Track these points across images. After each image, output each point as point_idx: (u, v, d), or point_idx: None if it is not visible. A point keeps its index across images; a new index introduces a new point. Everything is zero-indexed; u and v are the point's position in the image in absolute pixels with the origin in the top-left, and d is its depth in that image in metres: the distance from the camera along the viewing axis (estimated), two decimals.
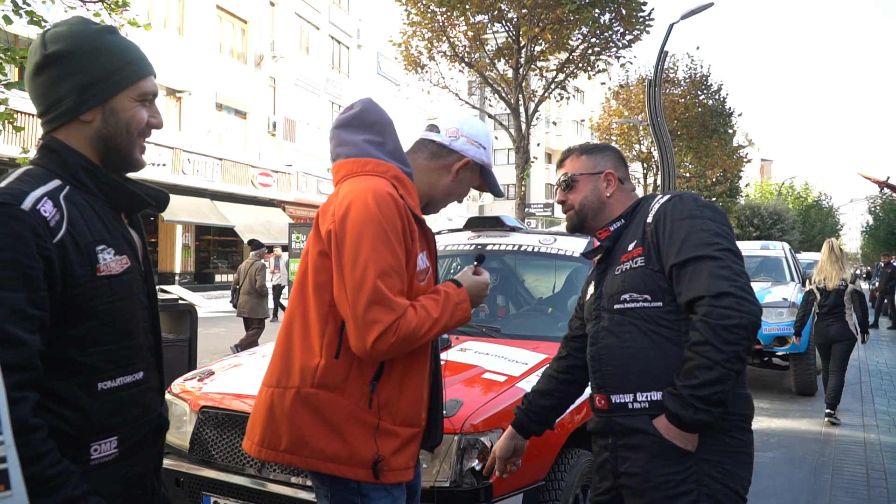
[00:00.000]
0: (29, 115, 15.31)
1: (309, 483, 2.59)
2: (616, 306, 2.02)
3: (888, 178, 9.73)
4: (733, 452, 1.91)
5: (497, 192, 2.24)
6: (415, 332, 1.75)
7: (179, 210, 20.97)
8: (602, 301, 2.08)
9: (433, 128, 2.12)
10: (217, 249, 25.87)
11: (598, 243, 2.14)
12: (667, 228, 1.94)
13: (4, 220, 1.29)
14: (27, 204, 1.33)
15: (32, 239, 1.31)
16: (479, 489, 2.50)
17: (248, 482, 2.72)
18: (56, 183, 1.42)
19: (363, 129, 1.95)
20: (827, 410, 6.86)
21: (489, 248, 4.28)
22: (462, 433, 2.49)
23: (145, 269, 1.60)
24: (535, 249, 4.19)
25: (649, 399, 1.93)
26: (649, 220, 2.00)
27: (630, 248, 2.03)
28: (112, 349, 1.45)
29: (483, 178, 2.15)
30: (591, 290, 2.22)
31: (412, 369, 1.89)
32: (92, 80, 1.46)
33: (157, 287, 1.88)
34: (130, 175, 1.60)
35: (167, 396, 3.21)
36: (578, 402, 2.99)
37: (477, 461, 2.51)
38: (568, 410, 2.90)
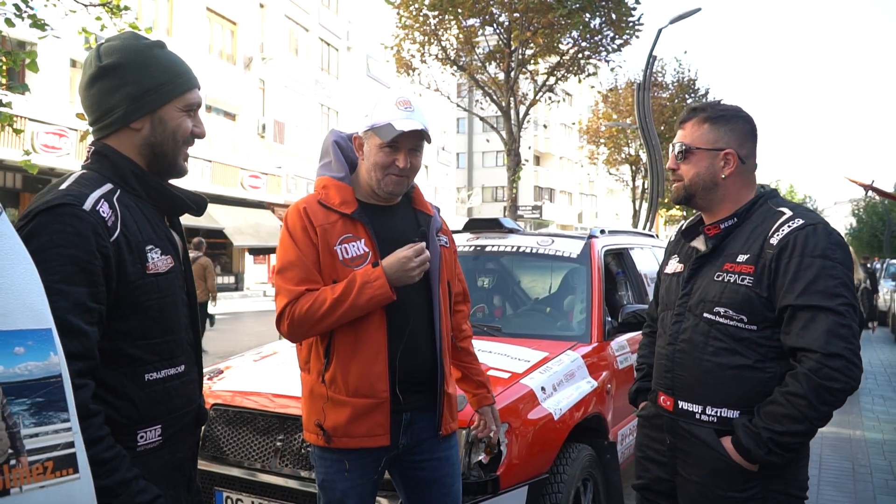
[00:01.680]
0: (27, 118, 15.29)
1: None
2: (706, 315, 1.94)
3: (873, 181, 9.97)
4: (794, 461, 1.91)
5: (389, 134, 2.06)
6: (310, 313, 2.00)
7: None
8: (690, 301, 2.00)
9: None
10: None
11: (701, 238, 2.05)
12: (793, 262, 1.81)
13: (68, 219, 1.39)
14: (88, 205, 1.43)
15: (93, 237, 1.40)
16: (487, 482, 2.58)
17: (261, 477, 2.79)
18: (109, 186, 1.52)
19: (322, 156, 2.28)
20: None
21: (488, 249, 4.38)
22: (469, 427, 2.58)
23: (185, 268, 1.69)
24: (534, 251, 4.28)
25: (718, 415, 1.92)
26: (773, 241, 1.86)
27: (740, 259, 1.91)
28: (157, 343, 1.54)
29: (381, 138, 2.09)
30: (674, 265, 2.13)
31: (359, 346, 2.07)
32: (142, 91, 1.56)
33: None
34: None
35: None
36: (577, 399, 3.11)
37: (484, 454, 2.61)
38: (568, 407, 3.01)
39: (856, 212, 52.07)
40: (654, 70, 18.41)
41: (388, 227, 2.18)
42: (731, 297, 1.89)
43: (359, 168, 2.21)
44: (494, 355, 3.25)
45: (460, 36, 15.10)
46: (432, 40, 15.22)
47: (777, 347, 1.86)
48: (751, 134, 2.02)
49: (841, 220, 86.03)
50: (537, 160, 51.42)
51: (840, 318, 1.76)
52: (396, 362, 2.09)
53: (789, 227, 1.86)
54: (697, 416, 1.95)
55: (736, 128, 1.99)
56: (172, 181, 1.72)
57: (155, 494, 1.45)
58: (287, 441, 2.79)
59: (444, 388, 2.19)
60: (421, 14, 14.79)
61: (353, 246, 2.10)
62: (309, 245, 2.07)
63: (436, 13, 14.73)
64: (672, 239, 2.29)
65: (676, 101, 25.47)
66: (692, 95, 26.23)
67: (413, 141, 2.12)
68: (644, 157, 20.14)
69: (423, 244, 2.08)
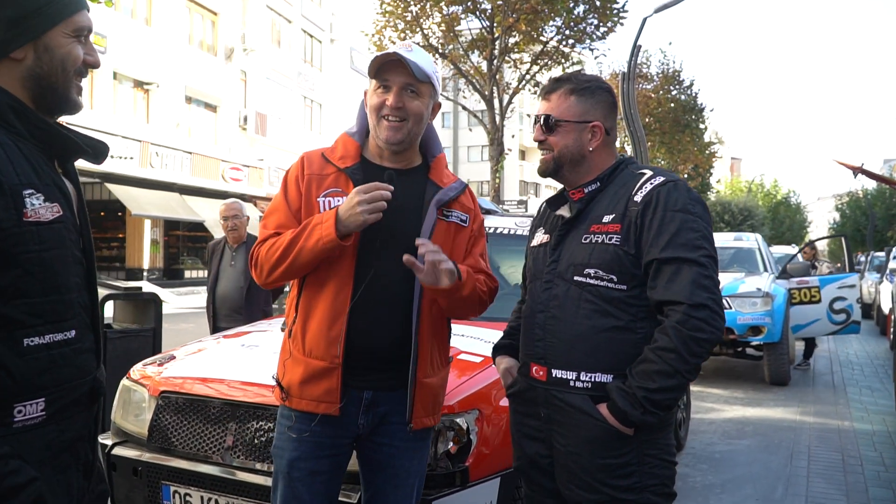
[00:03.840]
0: None
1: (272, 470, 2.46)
2: (577, 278, 1.92)
3: (862, 164, 9.83)
4: (664, 426, 1.91)
5: (373, 68, 1.99)
6: (269, 254, 1.95)
7: (147, 204, 20.55)
8: (559, 267, 1.97)
9: None
10: (186, 245, 25.43)
11: (567, 204, 2.02)
12: (657, 216, 1.83)
13: None
14: None
15: None
16: (455, 473, 2.39)
17: (212, 470, 2.57)
18: None
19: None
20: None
21: None
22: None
23: (81, 222, 1.46)
24: (512, 232, 4.08)
25: (593, 380, 1.88)
26: (637, 198, 1.88)
27: (606, 220, 1.91)
28: (39, 302, 1.32)
29: (371, 77, 2.03)
30: (540, 237, 2.10)
31: (320, 305, 1.96)
32: (22, 14, 1.34)
33: (123, 283, 1.78)
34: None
35: (125, 383, 3.06)
36: None
37: (452, 443, 2.40)
38: None
39: (839, 206, 52.37)
40: (638, 61, 18.25)
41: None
42: (601, 258, 1.89)
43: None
44: (468, 339, 3.08)
45: (442, 24, 14.87)
46: (414, 28, 14.99)
47: (647, 307, 1.87)
48: (613, 106, 2.05)
49: (824, 216, 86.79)
50: (523, 155, 51.33)
51: (703, 270, 1.79)
52: (360, 329, 1.93)
53: (651, 184, 1.89)
54: (572, 383, 1.91)
55: (601, 100, 2.01)
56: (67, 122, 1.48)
57: (30, 477, 1.23)
58: (240, 431, 2.57)
59: (416, 375, 1.98)
60: (402, 1, 14.55)
61: (337, 201, 1.98)
62: (296, 193, 2.03)
63: (417, 0, 14.49)
64: (536, 215, 2.28)
65: (661, 92, 25.39)
66: (677, 87, 26.16)
67: (402, 78, 1.96)
68: (629, 148, 19.99)
69: (379, 184, 1.88)
